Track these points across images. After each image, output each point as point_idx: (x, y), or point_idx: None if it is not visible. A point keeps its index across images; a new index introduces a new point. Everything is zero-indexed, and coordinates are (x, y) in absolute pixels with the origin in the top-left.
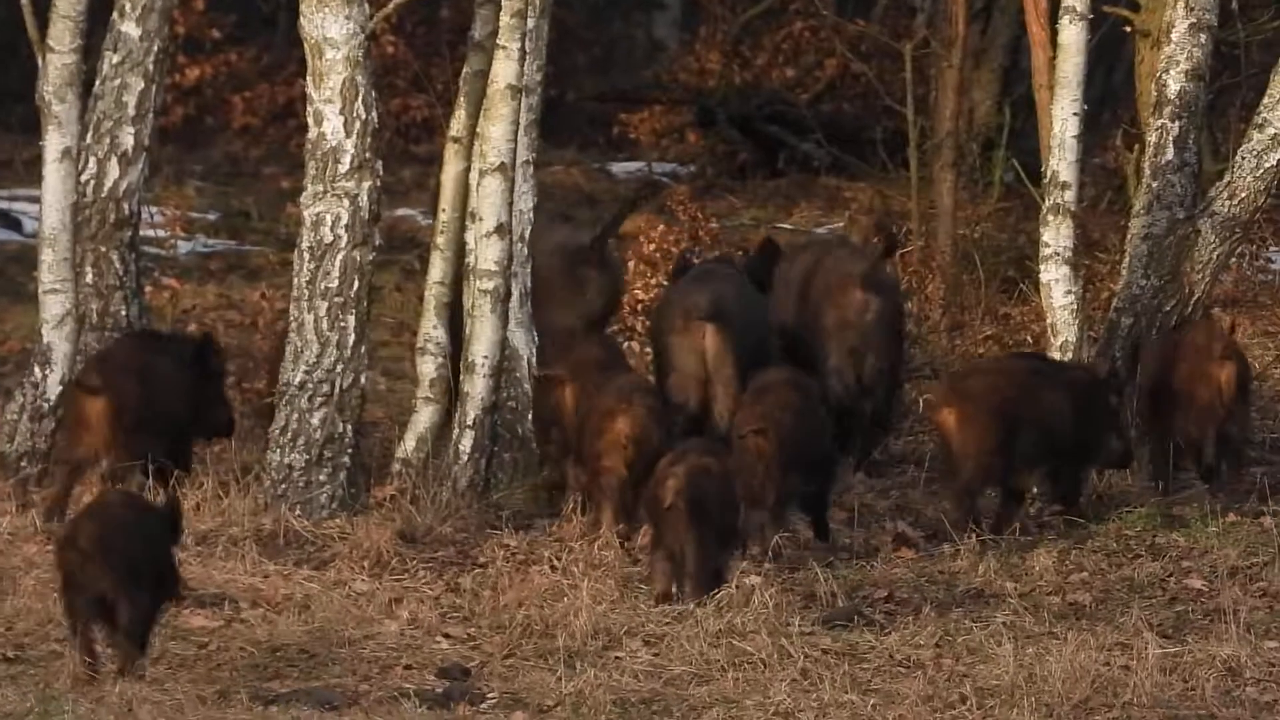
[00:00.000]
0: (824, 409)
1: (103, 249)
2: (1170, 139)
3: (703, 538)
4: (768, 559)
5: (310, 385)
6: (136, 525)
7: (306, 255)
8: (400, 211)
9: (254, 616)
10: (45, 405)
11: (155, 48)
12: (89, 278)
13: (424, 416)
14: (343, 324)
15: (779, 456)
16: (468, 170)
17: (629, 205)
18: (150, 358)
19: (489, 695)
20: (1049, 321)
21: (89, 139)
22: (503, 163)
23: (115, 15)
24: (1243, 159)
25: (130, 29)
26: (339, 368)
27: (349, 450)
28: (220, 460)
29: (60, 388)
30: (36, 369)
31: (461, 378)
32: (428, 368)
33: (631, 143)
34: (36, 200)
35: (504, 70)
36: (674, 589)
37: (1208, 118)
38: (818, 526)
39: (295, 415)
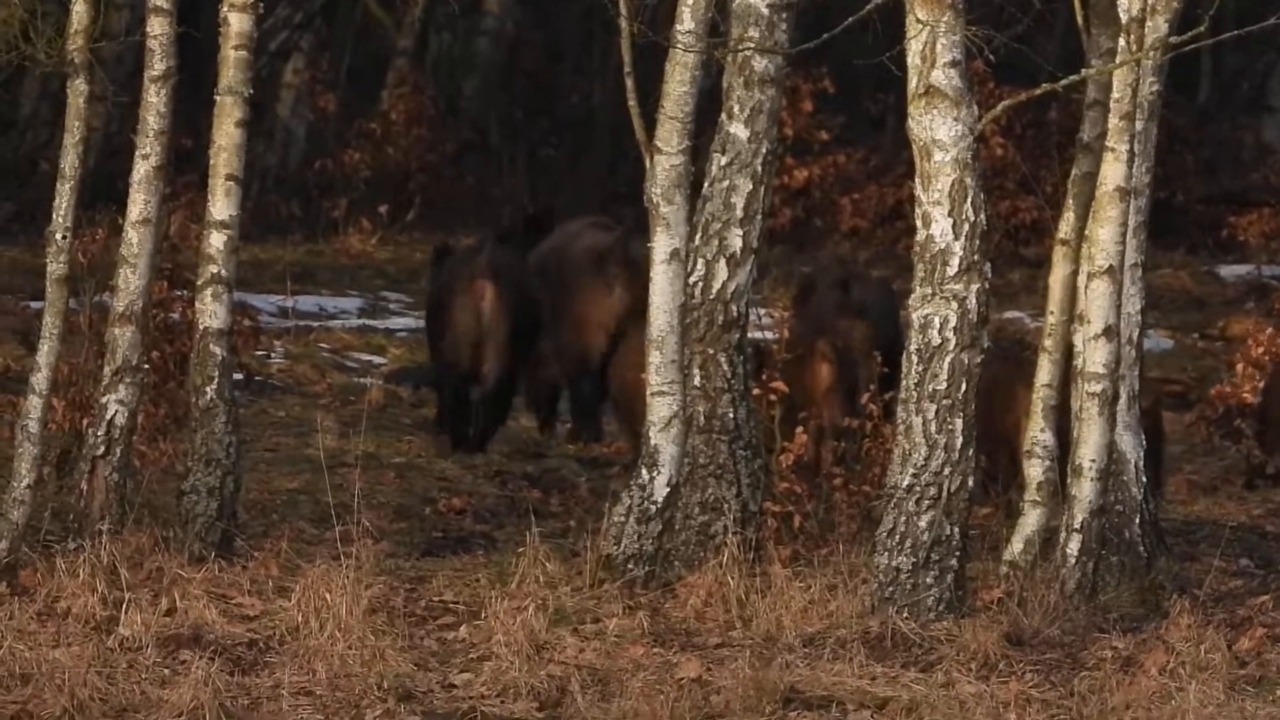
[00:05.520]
0: None
1: (710, 351)
2: None
3: None
4: None
5: (918, 488)
6: None
7: (915, 358)
8: (1009, 314)
9: (861, 718)
10: (652, 508)
11: (764, 149)
12: (696, 380)
13: (1031, 520)
14: (950, 427)
15: None
16: (1075, 273)
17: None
18: None
19: None
20: None
21: (697, 240)
22: (1111, 265)
23: (724, 117)
24: None
25: (739, 130)
26: (946, 470)
27: (956, 553)
28: (827, 563)
29: (668, 490)
30: (644, 471)
31: (1069, 481)
32: (1035, 471)
33: (1240, 245)
34: None
35: (1113, 172)
36: None
37: None
38: None
39: (903, 518)
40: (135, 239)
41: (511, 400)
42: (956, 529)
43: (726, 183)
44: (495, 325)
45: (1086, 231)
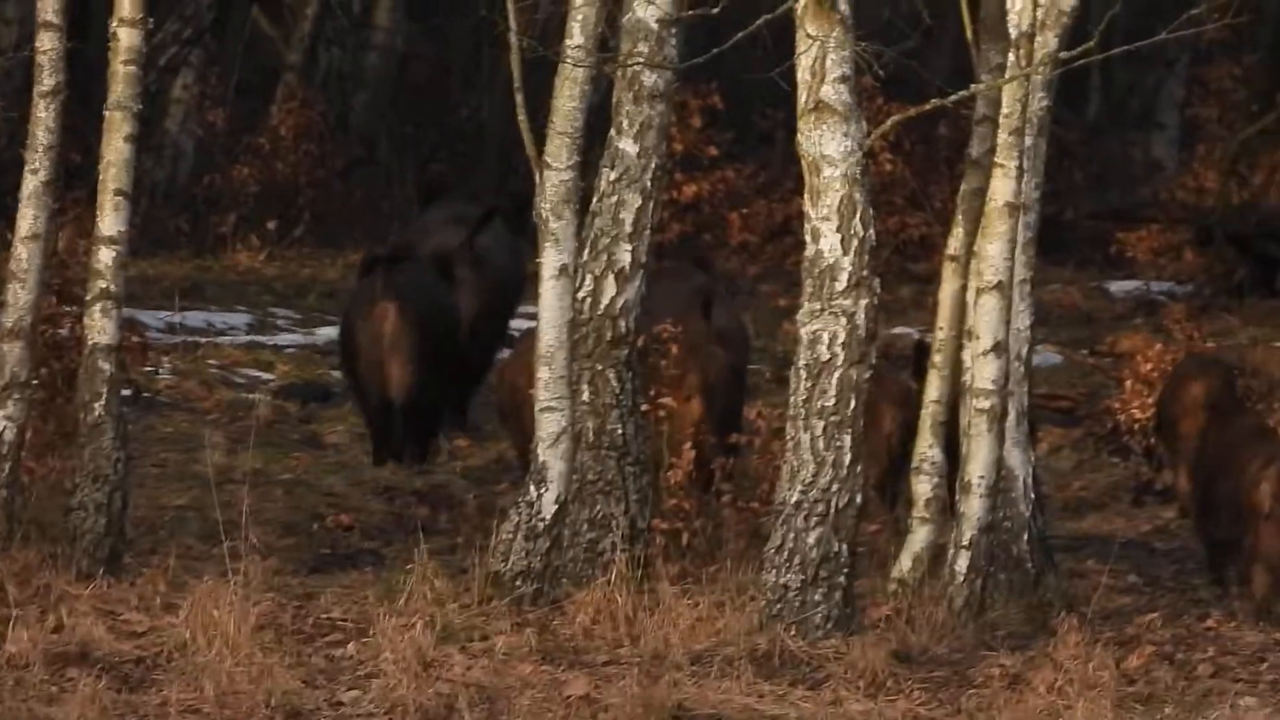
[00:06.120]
0: None
1: (599, 367)
2: None
3: None
4: None
5: (806, 505)
6: None
7: (803, 373)
8: (897, 329)
9: None
10: (540, 525)
11: (653, 165)
12: (585, 395)
13: (919, 536)
14: (838, 443)
15: None
16: (964, 288)
17: (491, 211)
18: None
19: None
20: None
21: (586, 256)
22: (1000, 281)
23: (613, 132)
24: None
25: (628, 146)
26: (834, 487)
27: (844, 570)
28: (716, 580)
29: (556, 507)
30: (532, 488)
31: (958, 498)
32: (923, 487)
33: (1129, 261)
34: (532, 317)
35: (1002, 188)
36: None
37: None
38: None
39: (791, 535)
40: (24, 254)
41: (440, 412)
42: (845, 546)
43: (615, 198)
44: (399, 345)
45: (975, 247)
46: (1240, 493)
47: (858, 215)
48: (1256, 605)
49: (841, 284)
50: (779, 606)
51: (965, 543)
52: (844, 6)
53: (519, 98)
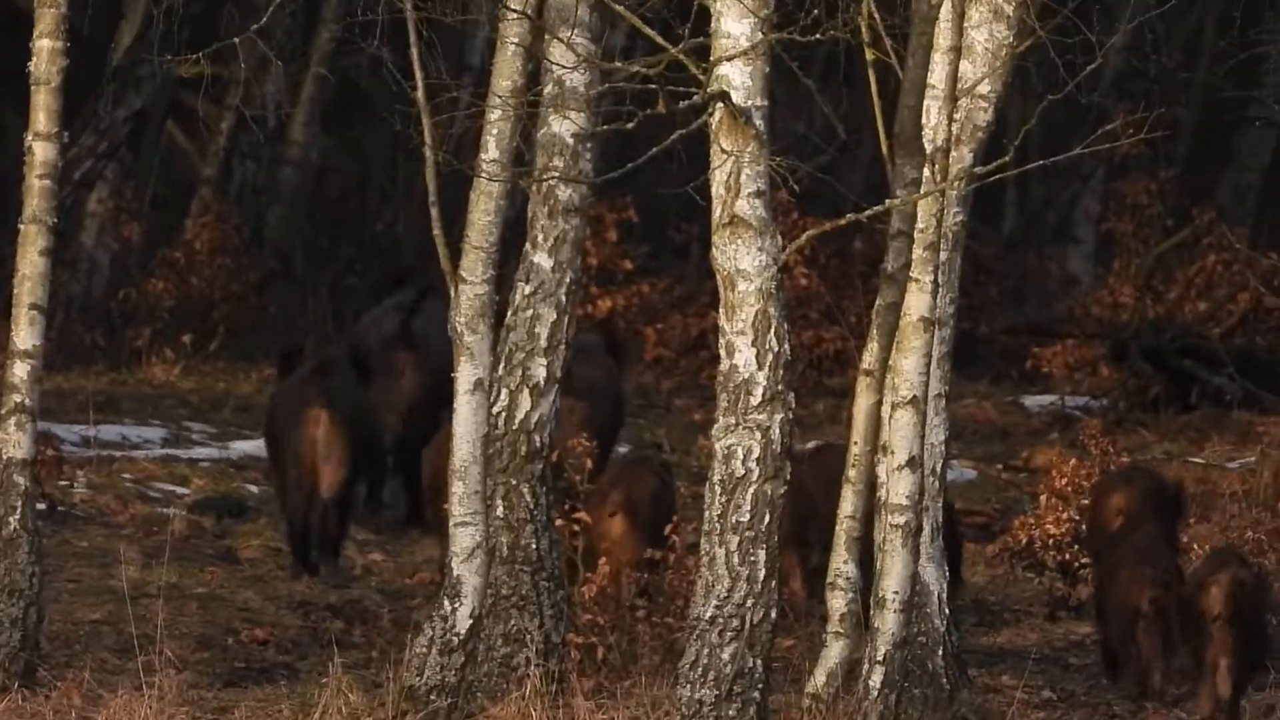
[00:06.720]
0: None
1: (513, 482)
2: None
3: (1241, 647)
4: None
5: (721, 620)
6: None
7: (718, 488)
8: (812, 444)
9: None
10: (455, 639)
11: (568, 279)
12: (500, 511)
13: (834, 651)
14: (753, 558)
15: None
16: (879, 403)
17: (426, 289)
18: None
19: None
20: None
21: (501, 370)
22: (915, 395)
23: (528, 246)
24: None
25: (542, 260)
26: (749, 602)
27: (759, 685)
28: (630, 695)
29: (470, 621)
30: (446, 602)
31: (872, 613)
32: (838, 602)
33: (1044, 376)
34: None
35: (917, 303)
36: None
37: None
38: None
39: (705, 650)
40: None
41: (350, 513)
42: (759, 661)
43: (530, 312)
44: (331, 449)
45: (890, 362)
46: (1117, 601)
47: (773, 330)
48: (1219, 707)
49: (756, 398)
50: None
51: (880, 657)
52: (759, 122)
53: (435, 211)
